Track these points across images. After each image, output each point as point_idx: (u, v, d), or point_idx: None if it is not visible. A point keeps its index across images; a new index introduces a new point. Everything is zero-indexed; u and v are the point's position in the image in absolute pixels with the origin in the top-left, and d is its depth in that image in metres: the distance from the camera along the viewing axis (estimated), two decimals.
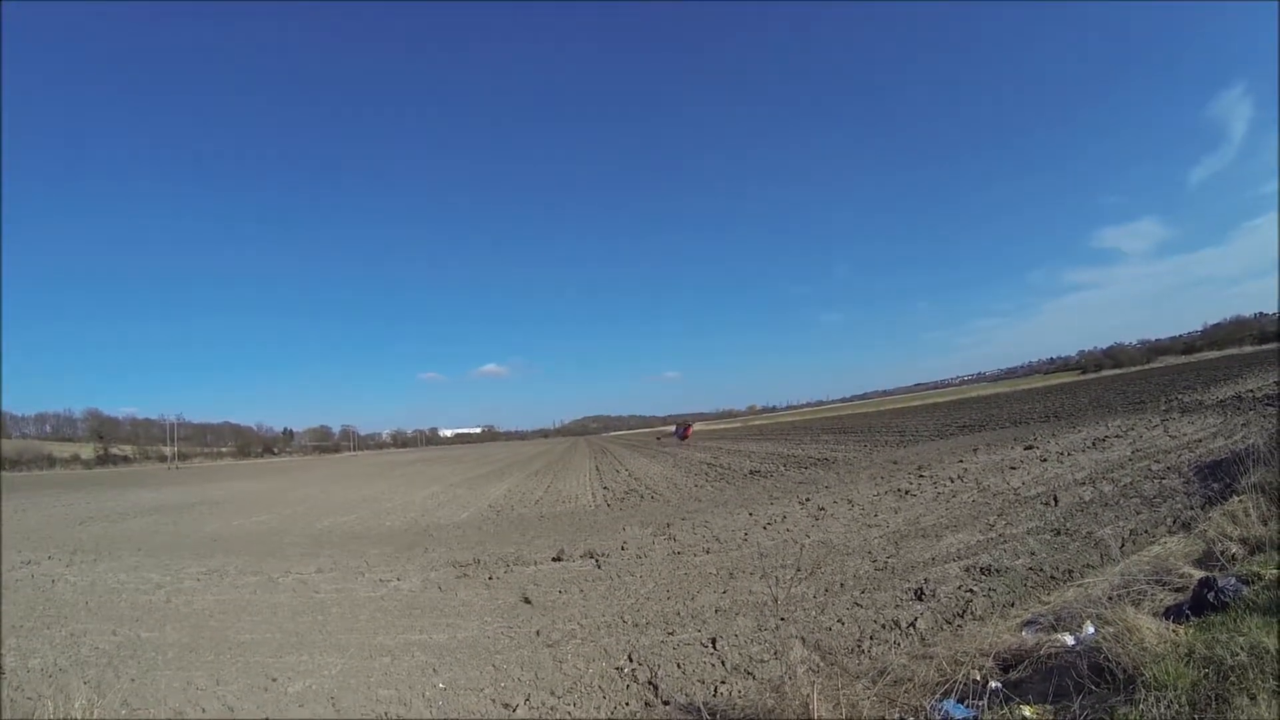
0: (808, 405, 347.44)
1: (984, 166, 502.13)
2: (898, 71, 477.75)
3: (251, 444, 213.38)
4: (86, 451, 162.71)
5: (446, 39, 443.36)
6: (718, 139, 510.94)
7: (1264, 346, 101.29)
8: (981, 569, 12.47)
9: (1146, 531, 13.24)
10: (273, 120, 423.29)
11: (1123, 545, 12.59)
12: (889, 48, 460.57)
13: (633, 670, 9.90)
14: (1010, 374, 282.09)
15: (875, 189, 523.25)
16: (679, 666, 9.83)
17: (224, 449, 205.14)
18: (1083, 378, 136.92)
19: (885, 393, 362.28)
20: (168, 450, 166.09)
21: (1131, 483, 18.17)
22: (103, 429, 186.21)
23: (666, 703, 8.81)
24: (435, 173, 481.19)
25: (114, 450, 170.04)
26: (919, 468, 27.94)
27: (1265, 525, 9.93)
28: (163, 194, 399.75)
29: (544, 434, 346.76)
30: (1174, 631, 6.33)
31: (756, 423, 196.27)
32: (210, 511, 41.28)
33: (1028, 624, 8.57)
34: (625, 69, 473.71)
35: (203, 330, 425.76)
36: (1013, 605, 10.43)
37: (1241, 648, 5.60)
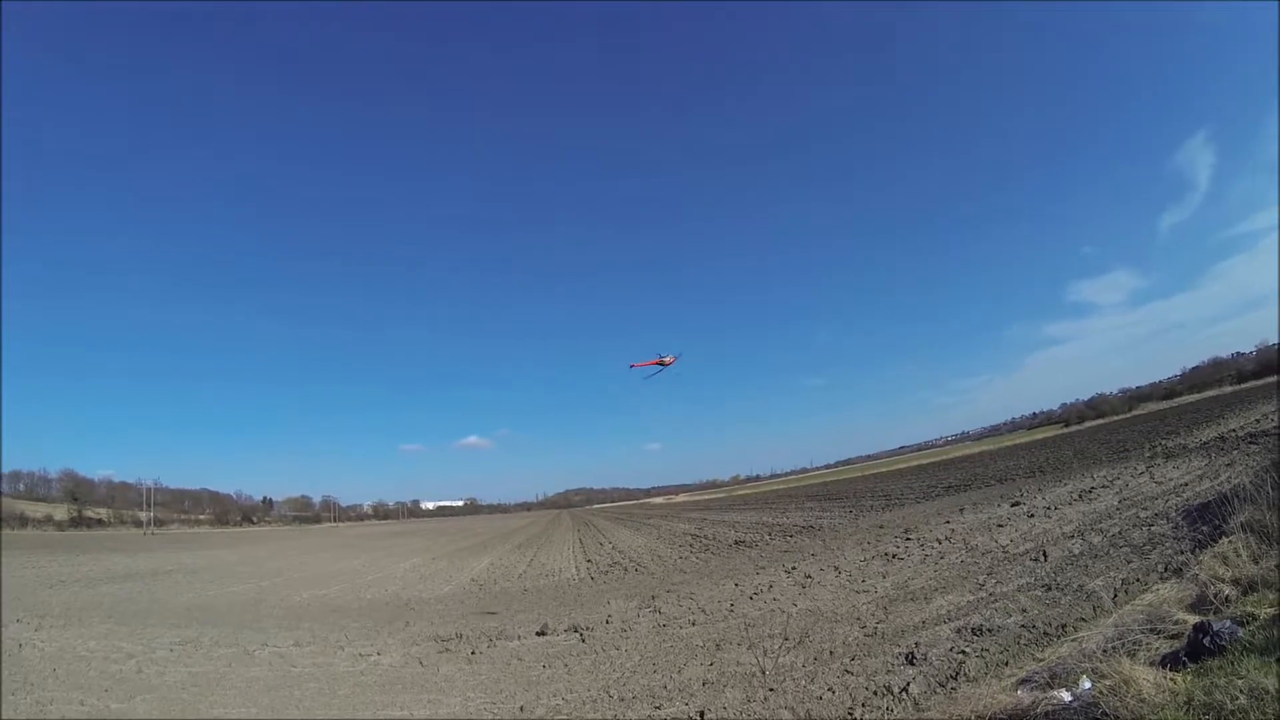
0: (792, 473, 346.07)
1: (958, 228, 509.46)
2: (871, 139, 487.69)
3: (230, 512, 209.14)
4: (60, 513, 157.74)
5: (426, 116, 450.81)
6: (695, 209, 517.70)
7: (1243, 385, 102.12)
8: (973, 629, 12.16)
9: (1138, 580, 13.00)
10: (255, 190, 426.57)
11: (1115, 596, 12.34)
12: (862, 117, 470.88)
13: None
14: (994, 431, 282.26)
15: (852, 254, 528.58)
16: None
17: (202, 516, 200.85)
18: (1066, 430, 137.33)
19: (870, 457, 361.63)
20: (144, 515, 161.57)
21: (1120, 532, 17.99)
22: (78, 490, 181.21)
23: None
24: (419, 245, 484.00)
25: (89, 513, 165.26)
26: (906, 530, 27.68)
27: (1257, 564, 9.75)
28: (150, 258, 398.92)
29: (527, 506, 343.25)
30: (1172, 680, 6.12)
31: (741, 492, 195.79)
32: (186, 580, 40.50)
33: (1023, 683, 8.29)
34: (604, 140, 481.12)
35: (183, 395, 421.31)
36: (1007, 664, 10.11)
37: (1241, 691, 5.40)
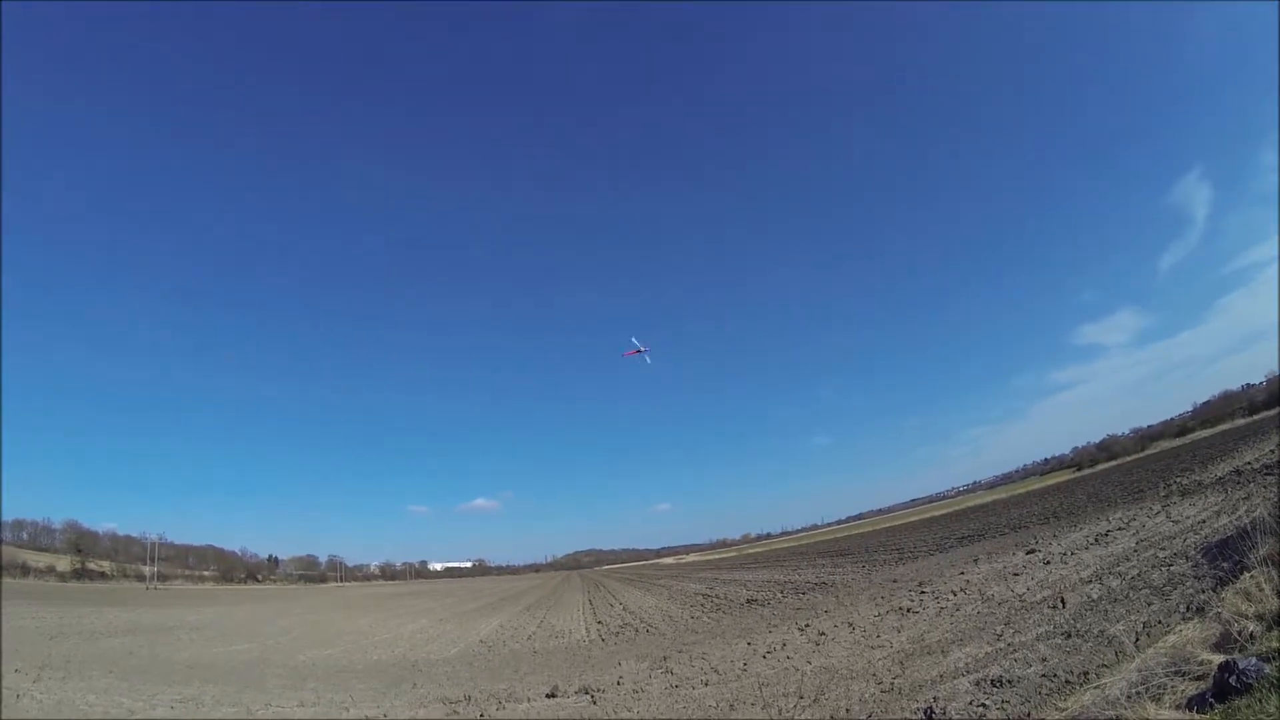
0: (803, 530, 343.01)
1: (960, 277, 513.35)
2: (869, 199, 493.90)
3: (235, 569, 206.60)
4: (63, 564, 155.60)
5: (420, 152, 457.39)
6: (695, 265, 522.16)
7: (1255, 417, 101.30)
8: (992, 681, 11.76)
9: (1160, 622, 12.61)
10: (265, 245, 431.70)
11: (1137, 639, 11.93)
12: (862, 175, 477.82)
13: None
14: (1006, 479, 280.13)
15: (854, 310, 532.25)
16: None
17: (206, 572, 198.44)
18: (1079, 474, 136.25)
19: (881, 511, 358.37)
20: (147, 569, 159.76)
21: (1139, 574, 17.61)
22: (81, 542, 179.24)
23: None
24: (427, 307, 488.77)
25: (91, 565, 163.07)
26: (920, 584, 27.26)
27: (1279, 598, 9.41)
28: (158, 312, 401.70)
29: (535, 568, 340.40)
30: None
31: (751, 550, 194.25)
32: (189, 636, 39.88)
33: None
34: (604, 194, 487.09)
35: (190, 452, 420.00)
36: (1028, 716, 9.73)
37: None
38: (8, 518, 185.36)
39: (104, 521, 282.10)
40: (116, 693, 20.43)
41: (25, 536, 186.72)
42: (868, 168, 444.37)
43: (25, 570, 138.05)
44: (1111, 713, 7.26)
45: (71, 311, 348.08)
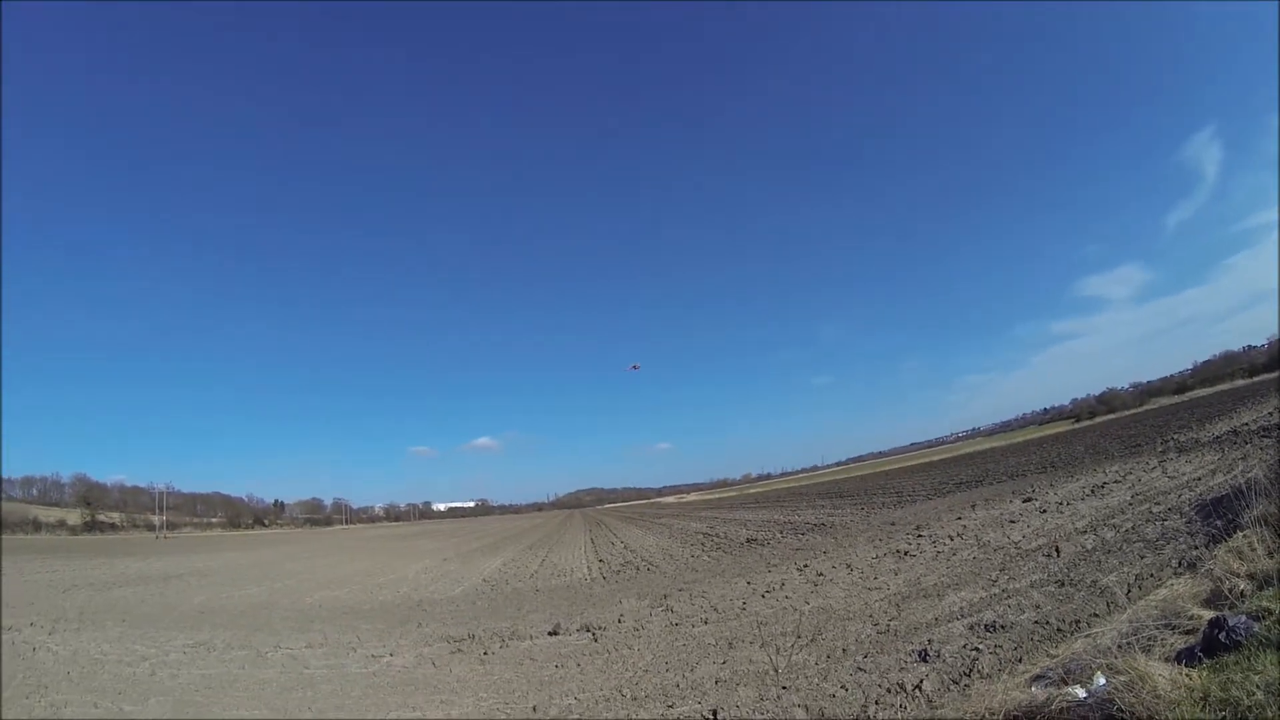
0: (803, 471, 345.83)
1: (965, 223, 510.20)
2: (878, 137, 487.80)
3: (242, 515, 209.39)
4: (73, 517, 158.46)
5: (445, 111, 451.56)
6: (703, 209, 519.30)
7: (1256, 379, 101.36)
8: (986, 626, 12.11)
9: (1152, 575, 12.90)
10: (266, 194, 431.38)
11: (1129, 591, 12.25)
12: (869, 112, 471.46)
13: None
14: (1005, 427, 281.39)
15: (859, 251, 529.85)
16: None
17: (214, 519, 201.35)
18: (1077, 426, 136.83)
19: (880, 454, 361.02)
20: (156, 519, 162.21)
21: (1133, 527, 17.87)
22: (90, 495, 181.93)
23: None
24: (426, 247, 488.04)
25: (101, 517, 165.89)
26: (917, 527, 27.60)
27: (1271, 558, 9.67)
28: (160, 264, 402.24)
29: (538, 507, 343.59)
30: (1187, 676, 6.07)
31: (752, 490, 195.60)
32: (199, 583, 40.69)
33: (1037, 679, 8.24)
34: (616, 143, 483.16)
35: (194, 400, 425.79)
36: (1020, 661, 10.06)
37: (1257, 686, 5.36)
38: (17, 475, 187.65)
39: (112, 474, 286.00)
40: (130, 640, 20.94)
41: (35, 493, 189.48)
42: (877, 109, 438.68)
43: (37, 525, 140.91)
44: (1102, 660, 7.50)
45: (70, 265, 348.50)
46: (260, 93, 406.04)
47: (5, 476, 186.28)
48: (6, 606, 29.43)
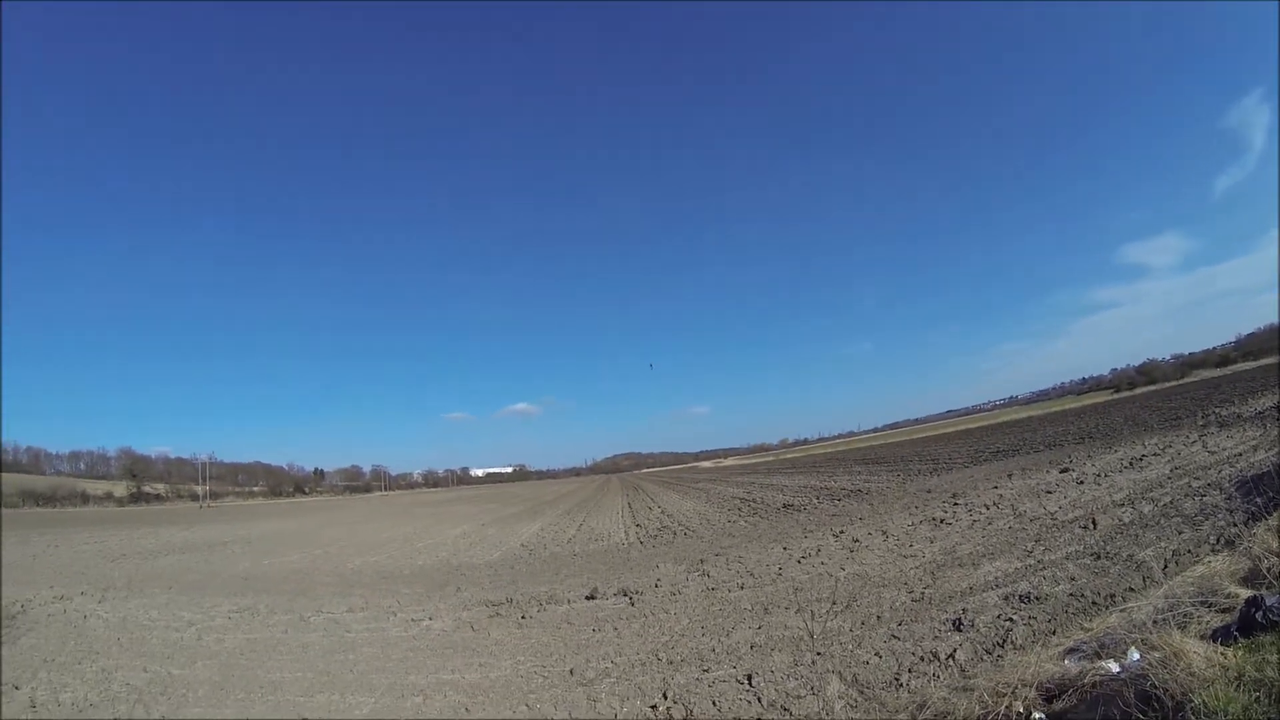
0: (839, 437, 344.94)
1: (1005, 189, 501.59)
2: (917, 98, 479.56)
3: (283, 484, 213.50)
4: (119, 489, 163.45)
5: (497, 90, 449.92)
6: (742, 173, 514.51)
7: None
8: (1021, 597, 12.19)
9: (1190, 551, 12.88)
10: (305, 164, 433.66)
11: (1165, 567, 12.25)
12: (908, 74, 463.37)
13: (668, 709, 9.75)
14: (1043, 396, 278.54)
15: (897, 217, 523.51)
16: (714, 704, 9.68)
17: (255, 488, 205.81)
18: (1116, 396, 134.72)
19: (916, 421, 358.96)
20: (199, 489, 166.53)
21: (1172, 502, 17.76)
22: (135, 467, 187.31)
23: None
24: (465, 216, 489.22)
25: (146, 488, 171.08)
26: (953, 496, 27.55)
27: None
28: (198, 237, 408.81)
29: (575, 472, 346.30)
30: (1222, 654, 6.12)
31: (789, 456, 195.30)
32: (242, 550, 41.63)
33: (1070, 652, 8.31)
34: (653, 107, 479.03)
35: (235, 372, 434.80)
36: (1054, 633, 10.14)
37: None
38: (65, 449, 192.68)
39: (156, 446, 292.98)
40: (177, 607, 21.61)
41: (83, 466, 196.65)
42: (920, 67, 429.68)
43: (85, 498, 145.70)
44: (1137, 635, 7.54)
45: (114, 242, 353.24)
46: (323, 56, 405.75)
47: (54, 452, 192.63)
48: (58, 576, 30.55)
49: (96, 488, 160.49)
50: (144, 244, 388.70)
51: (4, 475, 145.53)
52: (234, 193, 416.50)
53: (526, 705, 10.55)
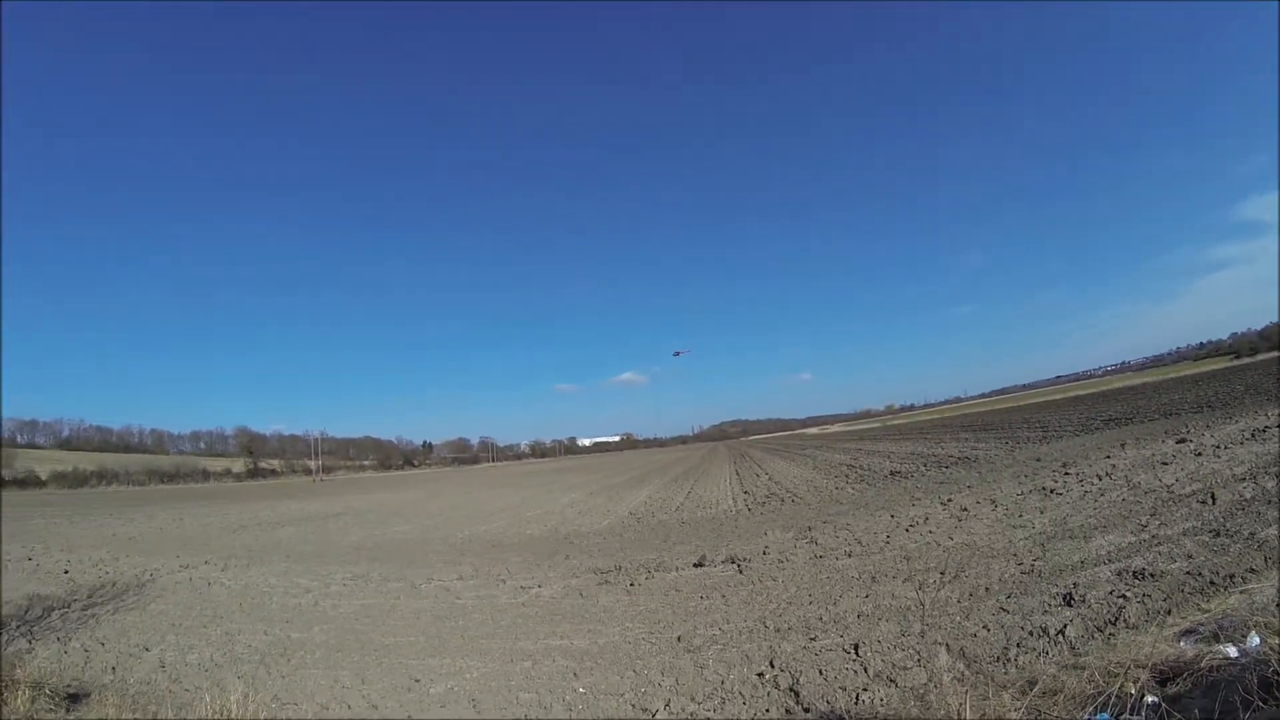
0: (945, 403, 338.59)
1: (1115, 144, 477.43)
2: (1026, 55, 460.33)
3: (392, 457, 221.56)
4: (237, 466, 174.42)
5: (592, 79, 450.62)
6: (847, 138, 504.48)
7: None
8: (1134, 573, 11.92)
9: None
10: (418, 150, 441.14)
11: None
12: (1017, 37, 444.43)
13: (774, 677, 9.98)
14: (1157, 362, 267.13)
15: (1005, 176, 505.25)
16: (820, 673, 9.87)
17: (366, 462, 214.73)
18: (1236, 363, 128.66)
19: (1025, 387, 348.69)
20: (313, 464, 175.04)
21: None
22: (252, 445, 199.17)
23: (808, 710, 8.87)
24: (572, 191, 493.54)
25: (263, 464, 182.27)
26: (1063, 465, 26.81)
27: None
28: (306, 227, 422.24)
29: (682, 440, 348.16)
30: None
31: (895, 422, 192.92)
32: (354, 521, 43.41)
33: (1186, 633, 8.19)
34: (760, 77, 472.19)
35: (347, 350, 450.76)
36: (1169, 613, 9.94)
37: None
38: (186, 430, 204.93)
39: (271, 424, 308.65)
40: (294, 574, 22.91)
41: (203, 445, 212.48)
42: (1030, 33, 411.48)
43: (205, 475, 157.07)
44: (1259, 619, 7.40)
45: (239, 240, 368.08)
46: (407, 46, 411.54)
47: (176, 433, 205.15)
48: (183, 547, 32.53)
49: (216, 465, 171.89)
50: (254, 234, 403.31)
51: (129, 456, 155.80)
52: (342, 180, 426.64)
53: (634, 671, 10.93)
